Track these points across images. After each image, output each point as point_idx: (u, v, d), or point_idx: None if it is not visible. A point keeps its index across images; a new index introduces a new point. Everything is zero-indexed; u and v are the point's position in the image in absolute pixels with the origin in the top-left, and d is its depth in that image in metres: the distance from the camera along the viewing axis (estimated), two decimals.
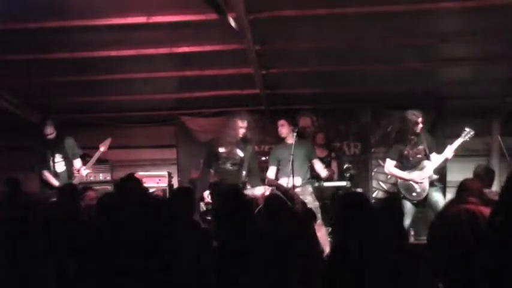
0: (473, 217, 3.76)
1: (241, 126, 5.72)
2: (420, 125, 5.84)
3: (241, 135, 5.74)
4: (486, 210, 3.79)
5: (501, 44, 6.10)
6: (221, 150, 5.74)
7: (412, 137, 5.88)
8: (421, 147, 5.89)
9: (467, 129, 5.76)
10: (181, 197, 4.08)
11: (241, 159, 5.78)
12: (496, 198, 3.91)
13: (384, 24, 5.58)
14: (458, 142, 5.75)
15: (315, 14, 5.34)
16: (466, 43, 6.12)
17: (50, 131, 6.34)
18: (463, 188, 4.15)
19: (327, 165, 7.12)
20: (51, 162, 6.35)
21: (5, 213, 4.20)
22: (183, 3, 5.17)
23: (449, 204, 4.30)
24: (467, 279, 3.34)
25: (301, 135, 6.42)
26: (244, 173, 5.80)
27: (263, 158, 7.36)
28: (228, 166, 5.74)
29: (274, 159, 6.24)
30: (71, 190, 5.10)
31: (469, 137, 5.77)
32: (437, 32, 5.85)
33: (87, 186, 5.98)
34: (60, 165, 6.39)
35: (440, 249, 3.79)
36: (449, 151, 5.74)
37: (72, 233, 3.68)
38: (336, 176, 7.33)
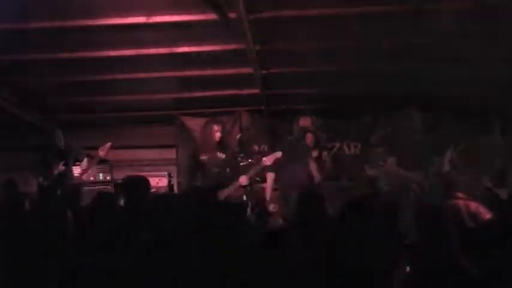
0: (457, 212, 3.77)
1: (217, 130, 5.93)
2: (420, 122, 5.84)
3: (217, 139, 5.94)
4: (474, 205, 3.82)
5: (501, 45, 6.09)
6: (203, 157, 5.97)
7: (415, 136, 5.87)
8: (422, 148, 5.88)
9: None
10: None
11: (224, 160, 5.97)
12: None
13: (383, 24, 5.58)
14: (459, 148, 5.73)
15: (315, 14, 5.34)
16: (466, 43, 6.11)
17: (60, 142, 6.34)
18: (449, 182, 4.15)
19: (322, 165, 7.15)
20: (54, 170, 6.25)
21: (4, 213, 4.20)
22: (183, 3, 5.17)
23: (438, 200, 4.31)
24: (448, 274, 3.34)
25: (299, 136, 6.46)
26: (228, 169, 5.98)
27: (264, 158, 7.33)
28: (213, 169, 5.92)
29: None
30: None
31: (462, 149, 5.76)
32: (437, 32, 5.85)
33: None
34: (60, 171, 6.29)
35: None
36: (450, 155, 5.74)
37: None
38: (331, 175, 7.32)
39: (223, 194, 5.77)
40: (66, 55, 6.22)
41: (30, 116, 7.96)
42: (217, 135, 5.94)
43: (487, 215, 3.77)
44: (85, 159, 6.42)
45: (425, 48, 6.29)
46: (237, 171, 6.00)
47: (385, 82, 7.32)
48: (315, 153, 7.21)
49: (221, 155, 5.98)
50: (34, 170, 6.42)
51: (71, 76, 6.91)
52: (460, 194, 3.99)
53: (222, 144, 6.02)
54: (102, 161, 7.30)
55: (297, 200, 4.04)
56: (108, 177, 7.76)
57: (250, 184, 6.48)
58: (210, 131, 5.96)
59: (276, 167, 6.18)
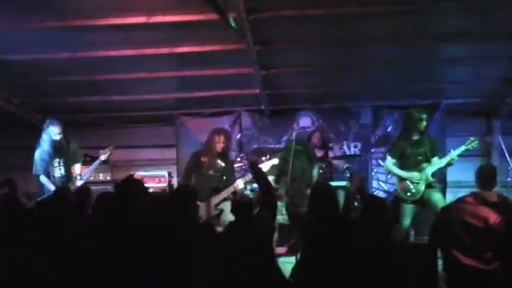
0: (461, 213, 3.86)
1: (218, 141, 6.02)
2: (424, 122, 5.81)
3: (219, 150, 6.02)
4: (484, 210, 3.81)
5: (501, 44, 6.10)
6: (203, 159, 6.04)
7: (417, 137, 5.83)
8: (422, 149, 5.86)
9: (472, 138, 5.71)
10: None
11: (223, 168, 6.05)
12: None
13: (384, 24, 5.59)
14: (460, 149, 5.70)
15: (315, 14, 5.34)
16: (466, 43, 6.12)
17: (59, 131, 6.02)
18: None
19: (326, 166, 7.16)
20: (50, 167, 6.18)
21: (4, 213, 4.20)
22: (183, 3, 5.17)
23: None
24: None
25: (300, 137, 6.48)
26: (224, 178, 6.06)
27: (263, 159, 7.35)
28: (211, 172, 5.99)
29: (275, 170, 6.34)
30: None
31: (472, 146, 5.72)
32: (437, 32, 5.86)
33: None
34: (59, 170, 6.22)
35: None
36: (451, 157, 5.69)
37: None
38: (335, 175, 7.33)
39: (218, 197, 5.80)
40: (66, 55, 6.22)
41: (30, 116, 7.95)
42: (220, 146, 6.01)
43: (497, 219, 3.76)
44: (79, 165, 6.25)
45: (425, 48, 6.30)
46: (233, 180, 6.04)
47: (385, 82, 7.33)
48: (320, 153, 7.22)
49: (220, 163, 6.04)
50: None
51: (71, 76, 6.91)
52: (469, 199, 3.98)
53: (223, 155, 6.09)
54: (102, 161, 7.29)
55: (310, 195, 4.07)
56: (108, 177, 7.75)
57: (246, 187, 6.53)
58: (213, 141, 6.02)
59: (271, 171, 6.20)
